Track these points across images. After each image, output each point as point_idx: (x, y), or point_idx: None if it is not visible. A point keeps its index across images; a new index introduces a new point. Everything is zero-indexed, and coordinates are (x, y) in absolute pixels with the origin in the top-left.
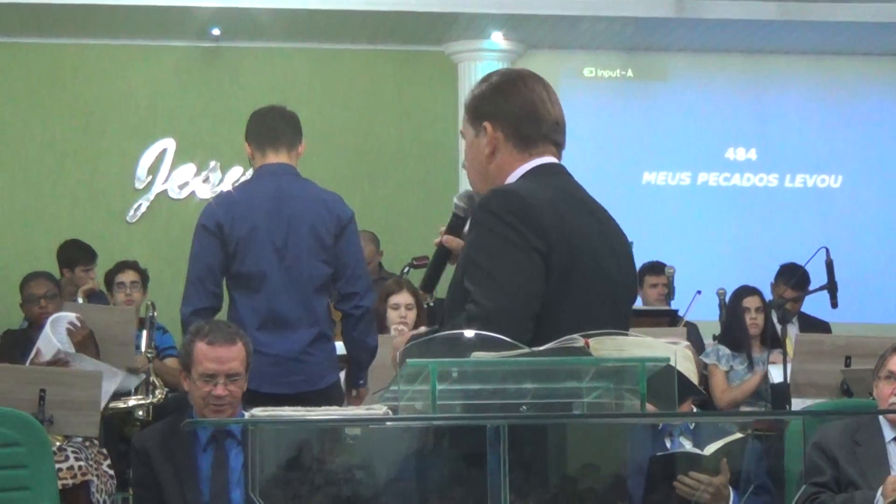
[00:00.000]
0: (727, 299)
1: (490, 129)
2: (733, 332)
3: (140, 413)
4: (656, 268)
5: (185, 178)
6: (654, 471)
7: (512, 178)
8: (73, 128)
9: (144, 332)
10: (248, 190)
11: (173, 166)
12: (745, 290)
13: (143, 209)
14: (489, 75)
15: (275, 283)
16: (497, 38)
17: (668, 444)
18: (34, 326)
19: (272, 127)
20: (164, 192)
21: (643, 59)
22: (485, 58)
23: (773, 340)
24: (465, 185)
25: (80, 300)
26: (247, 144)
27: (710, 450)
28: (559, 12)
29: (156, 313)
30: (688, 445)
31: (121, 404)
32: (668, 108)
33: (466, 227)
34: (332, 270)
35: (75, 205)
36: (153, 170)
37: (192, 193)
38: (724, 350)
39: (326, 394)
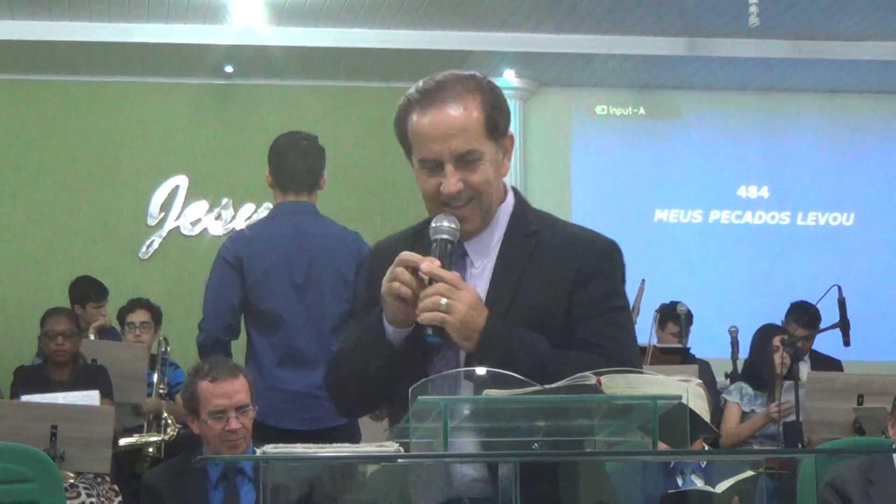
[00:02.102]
0: (739, 337)
1: (511, 140)
2: (760, 370)
3: (151, 450)
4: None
5: (198, 214)
6: None
7: (503, 193)
8: (86, 164)
9: (157, 368)
10: (268, 227)
11: (186, 203)
12: (774, 329)
13: (155, 246)
14: (478, 80)
15: (294, 321)
16: (509, 76)
17: (680, 482)
18: (48, 363)
19: (291, 169)
20: (177, 228)
21: (655, 97)
22: None
23: (795, 382)
24: None
25: (92, 336)
26: (269, 173)
27: (721, 487)
28: (571, 50)
29: (168, 349)
30: (699, 483)
31: (133, 440)
32: (680, 146)
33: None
34: (352, 308)
35: (88, 241)
36: (166, 206)
37: (205, 230)
38: (748, 389)
39: (344, 431)
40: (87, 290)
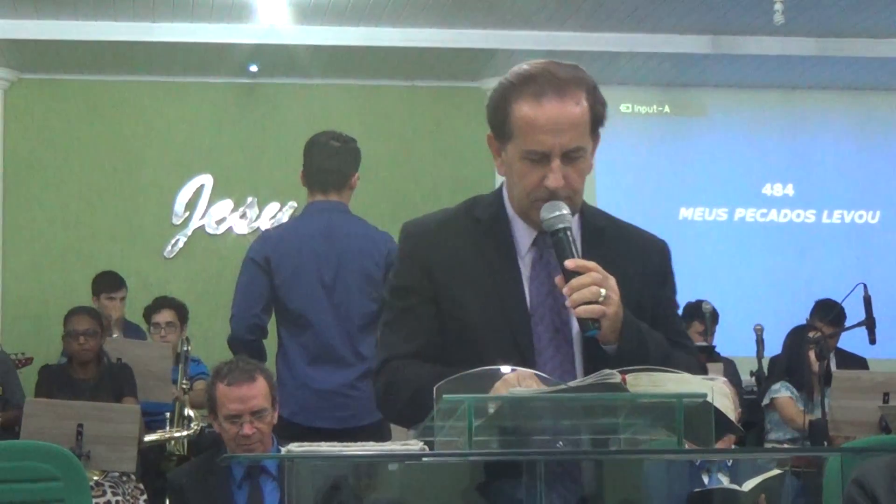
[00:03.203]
0: (764, 335)
1: (598, 139)
2: (798, 370)
3: (175, 446)
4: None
5: (223, 213)
6: None
7: None
8: (111, 164)
9: (180, 366)
10: (298, 226)
11: (211, 202)
12: (807, 329)
13: (180, 245)
14: (584, 74)
15: (323, 319)
16: None
17: (706, 481)
18: (73, 362)
19: (321, 169)
20: (202, 227)
21: (680, 95)
22: None
23: (822, 380)
24: None
25: (115, 334)
26: (301, 172)
27: (748, 486)
28: (596, 48)
29: (190, 348)
30: (725, 482)
31: (157, 437)
32: (705, 144)
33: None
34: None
35: (113, 240)
36: (191, 206)
37: (230, 229)
38: (793, 390)
39: (374, 429)
40: (101, 283)
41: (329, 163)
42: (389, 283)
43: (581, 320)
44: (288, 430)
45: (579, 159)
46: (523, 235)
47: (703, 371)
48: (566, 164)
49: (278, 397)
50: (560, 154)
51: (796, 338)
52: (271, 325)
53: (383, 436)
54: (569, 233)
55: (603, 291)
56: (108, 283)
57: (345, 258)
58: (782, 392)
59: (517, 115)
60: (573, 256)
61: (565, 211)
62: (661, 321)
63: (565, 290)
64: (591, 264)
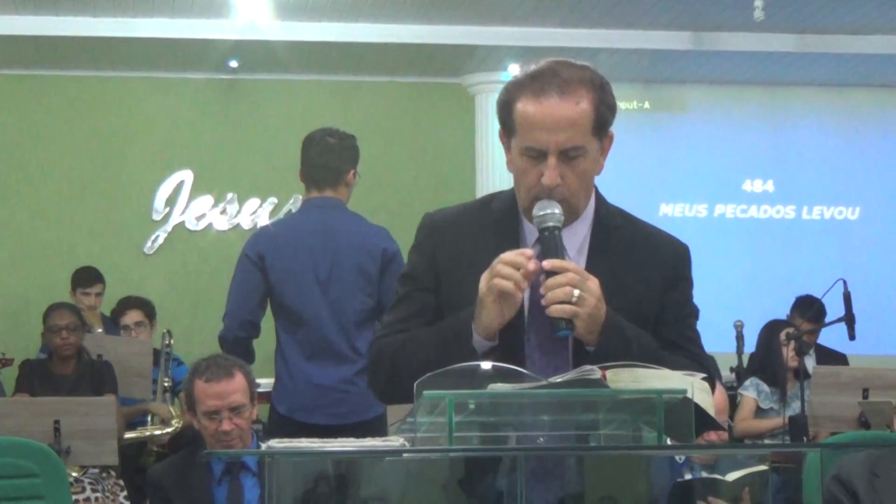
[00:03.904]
0: (744, 331)
1: (611, 139)
2: (771, 367)
3: (156, 446)
4: None
5: (203, 209)
6: (675, 497)
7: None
8: (91, 160)
9: (161, 363)
10: (293, 223)
11: (191, 198)
12: (782, 324)
13: (160, 241)
14: (592, 74)
15: (318, 316)
16: (514, 71)
17: (688, 478)
18: (53, 357)
19: (315, 165)
20: (182, 223)
21: (660, 92)
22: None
23: (805, 374)
24: None
25: (99, 329)
26: (300, 169)
27: (731, 477)
28: (576, 44)
29: (171, 341)
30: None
31: (137, 434)
32: (686, 140)
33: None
34: (376, 303)
35: (93, 236)
36: (171, 202)
37: (210, 225)
38: (764, 386)
39: (372, 425)
40: (77, 277)
41: (322, 159)
42: (401, 271)
43: (553, 320)
44: (285, 427)
45: (578, 158)
46: (531, 232)
47: (712, 380)
48: (564, 163)
49: (274, 394)
50: (557, 152)
51: (769, 333)
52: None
53: (381, 431)
54: (556, 232)
55: (577, 292)
56: (83, 277)
57: (340, 254)
58: (748, 391)
59: (519, 111)
60: (557, 256)
61: (556, 210)
62: (668, 326)
63: (541, 290)
64: (570, 265)
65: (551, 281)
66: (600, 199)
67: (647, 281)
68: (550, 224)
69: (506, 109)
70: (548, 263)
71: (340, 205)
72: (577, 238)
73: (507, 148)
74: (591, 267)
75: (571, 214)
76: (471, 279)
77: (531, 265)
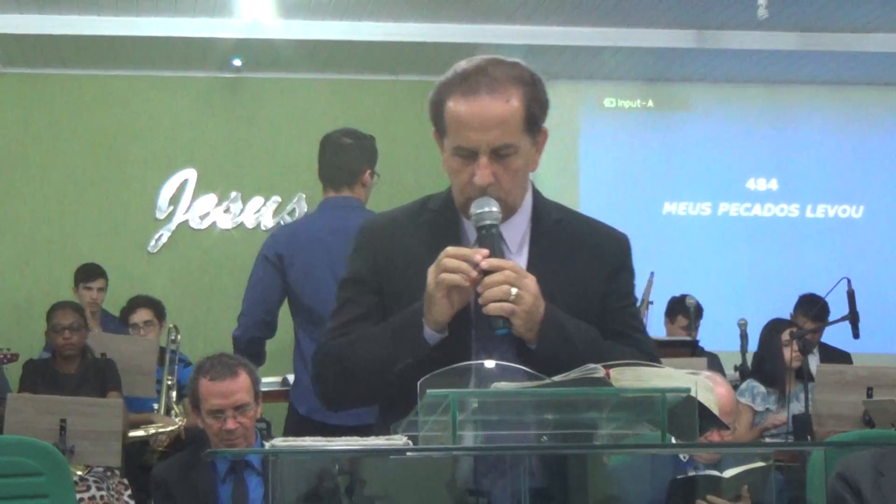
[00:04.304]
0: (749, 330)
1: (545, 135)
2: (769, 366)
3: (160, 444)
4: (682, 307)
5: (207, 208)
6: (674, 494)
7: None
8: (94, 158)
9: (166, 362)
10: (310, 222)
11: (194, 197)
12: (783, 323)
13: (164, 239)
14: (522, 70)
15: None
16: None
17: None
18: (56, 356)
19: (330, 165)
20: (186, 222)
21: (664, 90)
22: None
23: (807, 374)
24: None
25: (95, 328)
26: (318, 170)
27: (729, 473)
28: (579, 43)
29: (178, 336)
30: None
31: (142, 433)
32: (689, 139)
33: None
34: None
35: (96, 235)
36: (174, 200)
37: (213, 224)
38: (760, 388)
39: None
40: (79, 272)
41: (337, 159)
42: (343, 277)
43: (491, 318)
44: (304, 427)
45: (510, 157)
46: (470, 229)
47: (656, 361)
48: (496, 162)
49: (293, 394)
50: (488, 151)
51: (770, 332)
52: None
53: None
54: (493, 230)
55: (514, 290)
56: (85, 272)
57: None
58: (744, 397)
59: (449, 111)
60: (496, 254)
61: (494, 208)
62: (611, 315)
63: (479, 288)
64: (507, 263)
65: (488, 279)
66: (537, 194)
67: (589, 272)
68: (488, 222)
69: (437, 109)
70: (485, 262)
71: (357, 204)
72: (517, 232)
73: (441, 148)
74: (532, 261)
75: (508, 211)
76: (413, 279)
77: (478, 257)
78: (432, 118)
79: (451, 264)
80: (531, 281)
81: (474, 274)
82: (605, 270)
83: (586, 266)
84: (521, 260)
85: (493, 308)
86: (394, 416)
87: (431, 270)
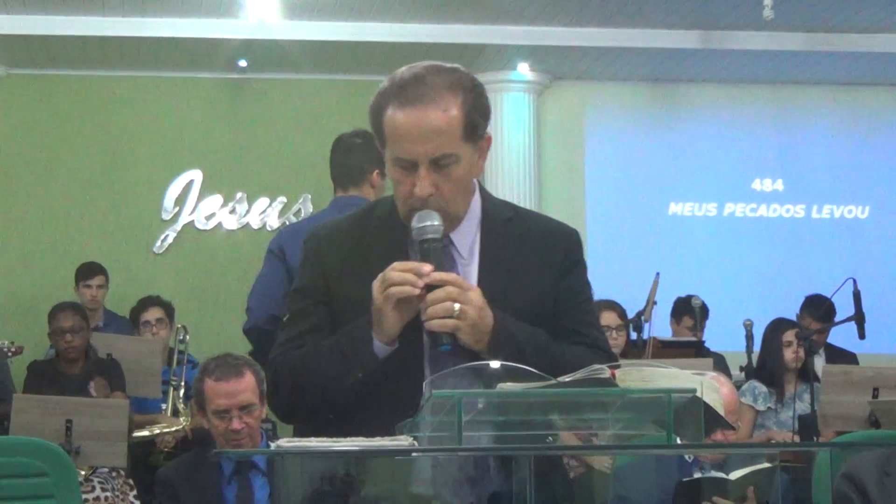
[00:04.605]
0: (754, 330)
1: (489, 141)
2: (769, 367)
3: (166, 444)
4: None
5: (212, 209)
6: (680, 495)
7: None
8: (100, 159)
9: (173, 362)
10: (316, 219)
11: (200, 197)
12: (784, 324)
13: (169, 240)
14: (460, 77)
15: None
16: (523, 70)
17: (698, 476)
18: (60, 358)
19: (338, 164)
20: (191, 223)
21: (669, 90)
22: (511, 89)
23: (812, 375)
24: None
25: (99, 322)
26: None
27: (735, 475)
28: (585, 44)
29: (187, 336)
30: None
31: (147, 433)
32: (695, 139)
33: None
34: None
35: (102, 235)
36: (180, 201)
37: (219, 224)
38: (761, 388)
39: None
40: (79, 271)
41: (346, 159)
42: (292, 287)
43: (435, 334)
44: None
45: (450, 166)
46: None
47: (606, 361)
48: (436, 172)
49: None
50: (427, 162)
51: (771, 333)
52: None
53: None
54: (436, 244)
55: (457, 307)
56: (83, 270)
57: None
58: (745, 398)
59: (387, 121)
60: (438, 268)
61: (435, 222)
62: (566, 312)
63: (422, 305)
64: (450, 277)
65: (431, 296)
66: (486, 195)
67: (543, 270)
68: (429, 236)
69: (376, 119)
70: (427, 278)
71: (364, 203)
72: (467, 237)
73: (384, 157)
74: (484, 265)
75: (452, 220)
76: (362, 287)
77: (427, 269)
78: (373, 127)
79: (398, 277)
80: (475, 294)
81: (422, 284)
82: (557, 268)
83: (538, 265)
84: (473, 265)
85: (436, 324)
86: (351, 426)
87: (377, 284)
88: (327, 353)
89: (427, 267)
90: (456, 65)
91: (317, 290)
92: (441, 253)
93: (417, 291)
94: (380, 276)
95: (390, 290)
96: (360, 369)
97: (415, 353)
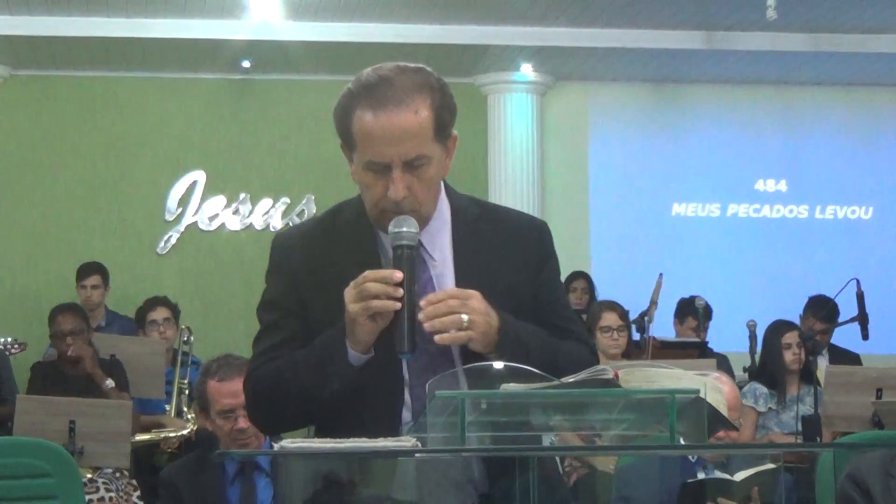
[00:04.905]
0: (757, 331)
1: (455, 141)
2: (770, 368)
3: (169, 448)
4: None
5: (215, 210)
6: (685, 497)
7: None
8: (104, 160)
9: (178, 363)
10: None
11: (203, 198)
12: (785, 325)
13: (173, 241)
14: (427, 77)
15: None
16: (527, 70)
17: (701, 477)
18: (62, 359)
19: None
20: (195, 224)
21: (673, 91)
22: (514, 90)
23: (809, 377)
24: None
25: (101, 321)
26: None
27: (740, 476)
28: (589, 44)
29: (191, 337)
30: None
31: (151, 437)
32: (698, 140)
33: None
34: None
35: (106, 237)
36: (183, 202)
37: (222, 225)
38: (762, 389)
39: None
40: (77, 271)
41: None
42: (262, 298)
43: (396, 339)
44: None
45: (422, 167)
46: (387, 241)
47: (595, 358)
48: (409, 173)
49: None
50: (400, 164)
51: (772, 334)
52: None
53: None
54: (410, 251)
55: (465, 318)
56: (80, 270)
57: None
58: (746, 399)
59: (356, 126)
60: (409, 276)
61: (413, 229)
62: (545, 307)
63: (423, 321)
64: (447, 292)
65: (433, 310)
66: (451, 194)
67: (517, 266)
68: (405, 242)
69: (343, 122)
70: (424, 300)
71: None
72: (437, 239)
73: (350, 160)
74: (459, 263)
75: (422, 221)
76: (334, 294)
77: (397, 275)
78: (339, 130)
79: (375, 289)
80: (477, 301)
81: (399, 294)
82: (531, 263)
83: (514, 262)
84: (447, 267)
85: (447, 339)
86: (335, 434)
87: (349, 293)
88: (303, 364)
89: (398, 274)
90: (421, 65)
91: (288, 301)
92: (413, 261)
93: (399, 306)
94: (352, 283)
95: (371, 303)
96: (336, 379)
97: (392, 358)
